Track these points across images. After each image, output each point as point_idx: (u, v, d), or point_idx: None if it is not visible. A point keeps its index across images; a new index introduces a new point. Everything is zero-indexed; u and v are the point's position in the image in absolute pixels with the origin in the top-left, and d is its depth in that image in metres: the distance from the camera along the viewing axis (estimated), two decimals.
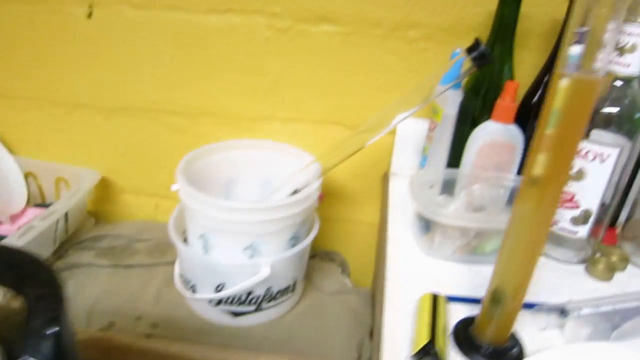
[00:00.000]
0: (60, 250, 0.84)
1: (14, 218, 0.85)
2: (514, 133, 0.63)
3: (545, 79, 0.66)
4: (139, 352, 0.68)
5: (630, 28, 0.52)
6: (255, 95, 0.79)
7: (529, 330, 0.50)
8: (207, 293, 0.69)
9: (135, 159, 0.88)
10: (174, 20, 0.75)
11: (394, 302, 0.52)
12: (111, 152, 0.88)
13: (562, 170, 0.38)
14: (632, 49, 0.52)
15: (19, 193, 0.87)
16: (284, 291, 0.71)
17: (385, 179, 0.80)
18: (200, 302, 0.71)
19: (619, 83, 0.54)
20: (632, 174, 0.64)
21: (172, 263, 0.76)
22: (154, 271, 0.81)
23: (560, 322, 0.51)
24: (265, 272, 0.65)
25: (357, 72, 0.76)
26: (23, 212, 0.87)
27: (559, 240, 0.61)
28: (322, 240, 0.92)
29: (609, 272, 0.59)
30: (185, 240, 0.72)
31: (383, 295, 0.53)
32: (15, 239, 0.69)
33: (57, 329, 0.31)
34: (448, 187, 0.66)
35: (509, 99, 0.60)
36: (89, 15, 0.76)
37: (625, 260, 0.61)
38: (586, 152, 0.55)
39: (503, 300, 0.44)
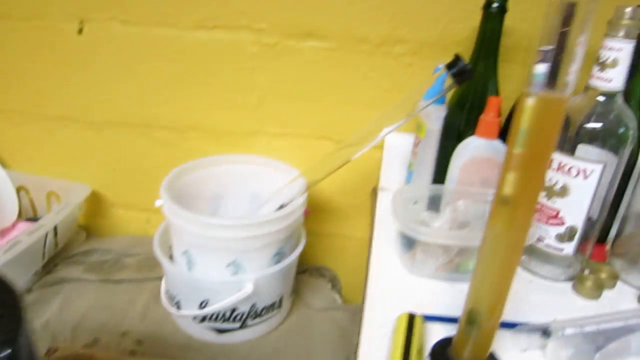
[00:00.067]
0: (50, 265, 0.84)
1: (4, 232, 0.86)
2: (498, 148, 0.62)
3: None
4: None
5: (611, 43, 0.51)
6: (243, 110, 0.80)
7: (509, 351, 0.49)
8: (191, 309, 0.69)
9: (125, 174, 0.89)
10: (162, 36, 0.76)
11: (372, 322, 0.51)
12: (102, 167, 0.89)
13: (532, 189, 0.38)
14: (614, 63, 0.51)
15: (10, 207, 0.87)
16: (270, 308, 0.70)
17: (374, 193, 0.80)
18: (185, 319, 0.71)
19: (602, 98, 0.53)
20: (620, 189, 0.63)
21: (161, 278, 0.76)
22: (143, 286, 0.81)
23: (543, 342, 0.49)
24: (248, 289, 0.64)
25: (343, 87, 0.76)
26: (14, 226, 0.88)
27: (546, 258, 0.60)
28: (313, 255, 0.92)
29: (597, 290, 0.57)
30: (171, 256, 0.72)
31: (361, 315, 0.52)
32: (1, 254, 0.69)
33: (9, 351, 0.30)
34: (434, 203, 0.65)
35: (493, 114, 0.60)
36: (80, 31, 0.77)
37: (614, 278, 0.60)
38: (569, 168, 0.54)
39: (478, 320, 0.43)
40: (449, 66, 0.55)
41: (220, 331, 0.70)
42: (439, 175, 0.67)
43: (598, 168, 0.53)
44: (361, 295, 0.89)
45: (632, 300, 0.58)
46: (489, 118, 0.60)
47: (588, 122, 0.54)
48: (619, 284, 0.60)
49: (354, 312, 0.79)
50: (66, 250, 0.88)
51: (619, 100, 0.53)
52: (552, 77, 0.35)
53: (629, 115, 0.53)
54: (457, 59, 0.54)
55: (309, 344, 0.72)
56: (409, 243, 0.58)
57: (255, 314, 0.69)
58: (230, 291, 0.65)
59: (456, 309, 0.54)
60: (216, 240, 0.63)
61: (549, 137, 0.36)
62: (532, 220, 0.39)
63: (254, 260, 0.66)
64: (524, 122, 0.36)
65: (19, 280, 0.77)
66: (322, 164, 0.67)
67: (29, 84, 0.83)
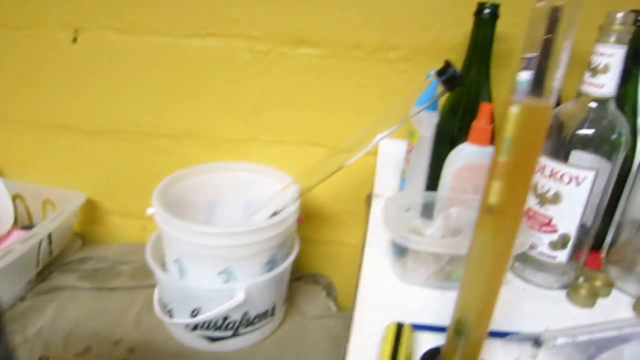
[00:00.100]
0: (45, 272, 0.84)
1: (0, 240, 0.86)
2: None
3: None
4: None
5: (602, 48, 0.51)
6: (237, 117, 0.79)
7: None
8: (183, 318, 0.68)
9: (121, 181, 0.89)
10: (156, 45, 0.76)
11: (361, 331, 0.51)
12: (98, 174, 0.89)
13: (517, 198, 0.37)
14: (605, 69, 0.51)
15: (6, 215, 0.87)
16: (262, 316, 0.70)
17: (368, 200, 0.79)
18: (177, 327, 0.70)
19: (594, 104, 0.53)
20: (615, 195, 0.63)
21: (155, 286, 0.75)
22: (136, 294, 0.80)
23: (534, 352, 0.49)
24: (239, 297, 0.64)
25: (337, 93, 0.75)
26: (9, 234, 0.88)
27: (539, 265, 0.59)
28: (308, 262, 0.91)
29: (591, 299, 0.57)
30: (164, 264, 0.72)
31: (351, 324, 0.52)
32: None
33: None
34: (427, 210, 0.65)
35: (485, 120, 0.59)
36: (74, 40, 0.78)
37: (609, 286, 0.59)
38: (561, 175, 0.54)
39: (466, 330, 0.42)
40: (439, 73, 0.54)
41: (213, 339, 0.69)
42: (432, 182, 0.67)
43: (590, 175, 0.53)
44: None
45: (628, 308, 0.57)
46: (482, 124, 0.59)
47: (581, 128, 0.53)
48: (614, 292, 0.59)
49: (348, 320, 0.78)
50: (61, 258, 0.88)
51: (612, 106, 0.53)
52: (537, 85, 0.35)
53: (621, 121, 0.53)
54: (447, 65, 0.54)
55: (302, 353, 0.71)
56: (400, 251, 0.58)
57: (248, 322, 0.69)
58: (222, 299, 0.65)
59: (447, 318, 0.53)
60: (207, 249, 0.62)
61: (534, 145, 0.36)
62: (518, 229, 0.39)
63: (246, 268, 0.65)
64: (508, 130, 0.35)
65: (13, 288, 0.77)
66: (315, 170, 0.67)
67: (24, 93, 0.83)
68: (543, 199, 0.56)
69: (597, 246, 0.65)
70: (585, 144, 0.53)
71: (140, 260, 0.89)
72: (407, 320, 0.51)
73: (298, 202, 0.68)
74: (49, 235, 0.80)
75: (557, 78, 0.35)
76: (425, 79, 0.65)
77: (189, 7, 0.73)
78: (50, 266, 0.85)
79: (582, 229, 0.56)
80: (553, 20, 0.37)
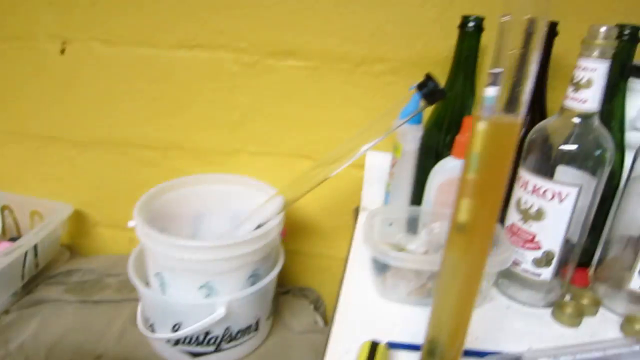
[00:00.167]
0: (31, 285, 0.83)
1: None
2: None
3: None
4: None
5: (585, 63, 0.50)
6: (224, 129, 0.79)
7: None
8: (164, 332, 0.67)
9: (109, 193, 0.88)
10: (143, 56, 0.76)
11: (337, 348, 0.49)
12: (85, 186, 0.89)
13: (487, 216, 0.36)
14: (588, 84, 0.50)
15: None
16: (245, 331, 0.69)
17: (355, 213, 0.78)
18: (160, 342, 0.69)
19: (577, 120, 0.52)
20: (604, 211, 0.62)
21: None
22: (121, 307, 0.80)
23: None
24: (220, 312, 0.63)
25: (324, 105, 0.75)
26: None
27: (524, 282, 0.58)
28: (296, 275, 0.90)
29: (577, 317, 0.55)
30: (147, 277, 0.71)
31: (327, 340, 0.51)
32: None
33: None
34: (412, 225, 0.64)
35: (469, 134, 0.58)
36: (62, 51, 0.78)
37: (596, 304, 0.58)
38: (544, 191, 0.53)
39: (439, 351, 0.41)
40: (420, 86, 0.54)
41: (195, 355, 0.68)
42: (417, 197, 0.66)
43: (573, 191, 0.52)
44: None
45: (615, 328, 0.55)
46: (465, 138, 0.58)
47: (565, 143, 0.52)
48: (602, 310, 0.58)
49: None
50: (49, 270, 0.87)
51: (596, 121, 0.52)
52: (504, 100, 0.34)
53: (605, 137, 0.52)
54: (427, 79, 0.53)
55: None
56: (380, 267, 0.57)
57: (230, 337, 0.68)
58: (203, 314, 0.64)
59: None
60: (187, 262, 0.62)
61: (503, 162, 0.35)
62: (489, 248, 0.38)
63: (227, 283, 0.64)
64: (475, 146, 0.35)
65: None
66: (299, 182, 0.66)
67: (12, 104, 0.84)
68: (526, 215, 0.55)
69: (585, 263, 0.64)
70: (570, 159, 0.52)
71: (126, 273, 0.88)
72: (386, 338, 0.50)
73: (282, 215, 0.67)
74: (35, 248, 0.80)
75: (525, 93, 0.34)
76: (408, 91, 0.64)
77: (175, 19, 0.72)
78: (36, 278, 0.84)
79: (568, 245, 0.55)
80: (528, 34, 0.36)
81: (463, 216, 0.36)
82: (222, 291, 0.64)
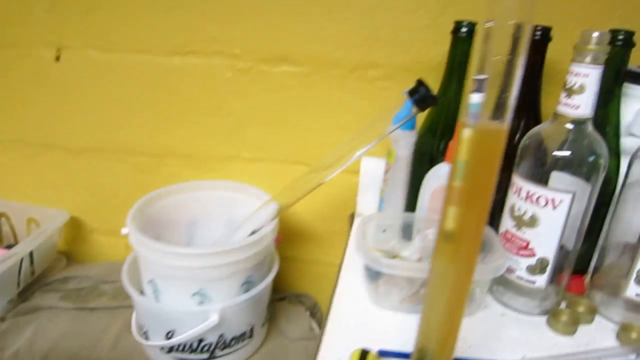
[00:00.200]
0: (27, 292, 0.83)
1: None
2: None
3: None
4: None
5: (577, 68, 0.49)
6: (219, 135, 0.79)
7: None
8: (158, 340, 0.67)
9: (105, 199, 0.88)
10: (137, 63, 0.76)
11: (328, 357, 0.49)
12: (82, 193, 0.89)
13: (475, 224, 0.36)
14: (581, 89, 0.49)
15: None
16: (239, 338, 0.69)
17: (351, 219, 0.78)
18: (154, 349, 0.69)
19: (570, 126, 0.51)
20: (600, 218, 0.61)
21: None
22: (117, 314, 0.79)
23: None
24: (213, 319, 0.63)
25: (318, 111, 0.75)
26: None
27: (519, 290, 0.57)
28: (293, 282, 0.90)
29: (572, 326, 0.55)
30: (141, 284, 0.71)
31: (318, 348, 0.50)
32: None
33: None
34: (407, 231, 0.63)
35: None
36: (57, 58, 0.78)
37: (592, 312, 0.57)
38: (537, 198, 0.52)
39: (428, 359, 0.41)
40: (411, 92, 0.53)
41: None
42: (411, 203, 0.65)
43: (567, 198, 0.51)
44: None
45: (611, 336, 0.55)
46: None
47: (558, 150, 0.52)
48: (598, 318, 0.57)
49: None
50: (45, 277, 0.87)
51: (589, 127, 0.51)
52: (490, 106, 0.34)
53: (599, 143, 0.51)
54: (418, 84, 0.53)
55: None
56: (373, 274, 0.56)
57: (224, 344, 0.67)
58: (196, 321, 0.63)
59: None
60: (179, 270, 0.61)
61: (489, 170, 0.34)
62: (477, 256, 0.37)
63: (221, 290, 0.64)
64: (461, 154, 0.34)
65: None
66: (293, 187, 0.66)
67: (8, 111, 0.84)
68: (520, 222, 0.54)
69: (581, 270, 0.63)
70: (564, 165, 0.52)
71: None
72: (378, 346, 0.50)
73: (276, 221, 0.67)
74: (31, 255, 0.80)
75: (511, 99, 0.34)
76: (401, 97, 0.64)
77: (169, 25, 0.73)
78: (32, 285, 0.84)
79: (562, 252, 0.54)
80: (515, 39, 0.36)
81: (450, 224, 0.36)
82: (216, 298, 0.64)
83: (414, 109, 0.55)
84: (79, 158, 0.85)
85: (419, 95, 0.52)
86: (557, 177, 0.52)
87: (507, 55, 0.33)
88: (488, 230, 0.59)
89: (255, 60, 0.73)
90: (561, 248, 0.54)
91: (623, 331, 0.54)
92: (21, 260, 0.78)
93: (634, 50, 0.57)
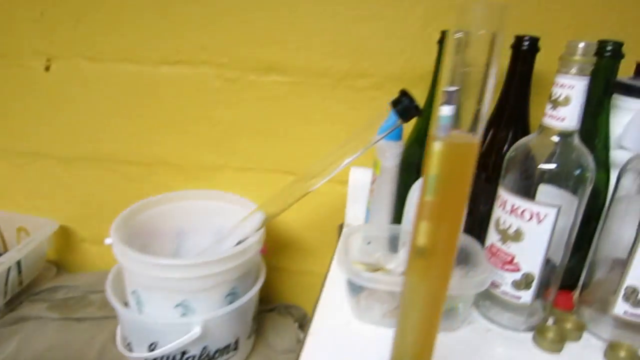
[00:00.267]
0: (15, 302, 0.83)
1: None
2: None
3: (491, 130, 0.62)
4: None
5: (563, 79, 0.48)
6: (208, 144, 0.78)
7: None
8: (141, 351, 0.66)
9: (95, 209, 0.88)
10: (126, 72, 0.76)
11: None
12: (72, 202, 0.88)
13: (447, 240, 0.35)
14: (566, 101, 0.48)
15: None
16: (223, 350, 0.68)
17: (340, 230, 0.77)
18: None
19: (557, 138, 0.50)
20: (589, 232, 0.60)
21: None
22: (103, 325, 0.79)
23: None
24: (195, 332, 0.62)
25: (307, 121, 0.74)
26: None
27: (505, 305, 0.56)
28: (283, 292, 0.89)
29: (559, 343, 0.53)
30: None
31: None
32: None
33: None
34: (393, 243, 0.62)
35: None
36: (47, 68, 0.78)
37: (580, 329, 0.55)
38: (522, 211, 0.51)
39: None
40: (394, 103, 0.53)
41: None
42: (398, 214, 0.64)
43: (552, 212, 0.50)
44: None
45: (598, 355, 0.53)
46: None
47: (544, 162, 0.51)
48: (586, 335, 0.56)
49: None
50: (34, 287, 0.86)
51: (575, 140, 0.50)
52: (461, 119, 0.33)
53: (585, 156, 0.50)
54: (401, 95, 0.52)
55: None
56: (355, 287, 0.55)
57: (208, 357, 0.66)
58: (179, 333, 0.62)
59: None
60: (161, 281, 0.61)
61: (461, 184, 0.34)
62: (450, 273, 0.36)
63: (204, 301, 0.63)
64: (432, 168, 0.33)
65: None
66: (280, 197, 0.65)
67: None
68: (505, 236, 0.53)
69: (571, 285, 0.62)
70: (549, 179, 0.51)
71: None
72: None
73: (261, 232, 0.66)
74: (18, 264, 0.79)
75: (483, 111, 0.33)
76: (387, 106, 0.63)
77: (157, 35, 0.72)
78: (20, 295, 0.84)
79: (549, 267, 0.53)
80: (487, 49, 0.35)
81: (422, 239, 0.35)
82: (199, 310, 0.63)
83: (398, 120, 0.54)
84: (69, 167, 0.85)
85: (402, 106, 0.52)
86: (544, 191, 0.51)
87: (478, 67, 0.32)
88: (474, 244, 0.57)
89: (244, 69, 0.72)
90: (548, 263, 0.53)
91: (611, 349, 0.52)
92: (8, 270, 0.77)
93: (624, 61, 0.56)
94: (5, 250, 0.92)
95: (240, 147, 0.78)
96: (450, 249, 0.35)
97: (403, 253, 0.58)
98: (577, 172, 0.50)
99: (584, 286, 0.59)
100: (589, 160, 0.50)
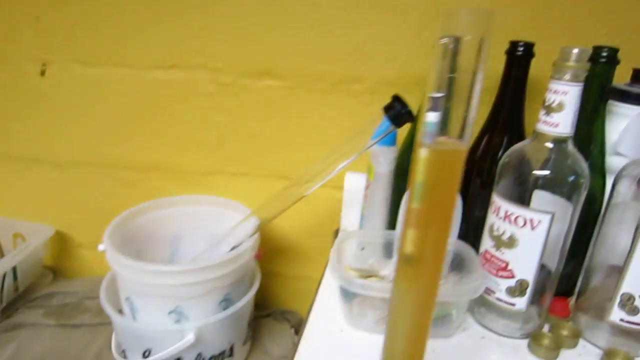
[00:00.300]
0: (11, 309, 0.82)
1: None
2: None
3: (486, 136, 0.62)
4: None
5: (556, 86, 0.48)
6: (203, 149, 0.78)
7: None
8: (135, 358, 0.66)
9: (91, 214, 0.88)
10: (121, 77, 0.76)
11: None
12: (68, 207, 0.88)
13: (435, 247, 0.34)
14: (560, 107, 0.48)
15: None
16: (218, 357, 0.67)
17: (336, 235, 0.76)
18: None
19: (550, 144, 0.50)
20: (586, 238, 0.59)
21: None
22: (99, 331, 0.78)
23: None
24: (189, 338, 0.61)
25: (302, 125, 0.74)
26: None
27: (501, 312, 0.55)
28: (280, 298, 0.88)
29: (554, 350, 0.53)
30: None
31: None
32: None
33: None
34: (388, 249, 0.62)
35: None
36: (42, 73, 0.78)
37: (576, 336, 0.55)
38: (516, 218, 0.51)
39: None
40: (387, 108, 0.52)
41: None
42: (393, 220, 0.64)
43: (546, 218, 0.49)
44: None
45: None
46: None
47: (538, 169, 0.50)
48: (582, 342, 0.55)
49: None
50: (31, 293, 0.86)
51: (569, 146, 0.50)
52: (446, 126, 0.33)
53: (579, 163, 0.50)
54: (394, 101, 0.52)
55: None
56: (347, 294, 0.55)
57: None
58: (173, 340, 0.62)
59: None
60: (154, 287, 0.60)
61: (448, 191, 0.33)
62: (438, 280, 0.36)
63: (198, 308, 0.63)
64: (419, 175, 0.33)
65: None
66: (274, 201, 0.65)
67: None
68: (499, 242, 0.53)
69: (567, 292, 0.61)
70: (544, 185, 0.50)
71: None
72: None
73: (255, 237, 0.66)
74: (14, 270, 0.79)
75: (470, 117, 0.32)
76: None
77: (152, 39, 0.72)
78: (17, 302, 0.83)
79: (544, 274, 0.53)
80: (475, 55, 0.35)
81: (409, 247, 0.35)
82: (192, 316, 0.63)
83: (391, 126, 0.54)
84: (64, 173, 0.85)
85: (394, 111, 0.51)
86: (539, 197, 0.51)
87: (465, 72, 0.32)
88: (468, 250, 0.57)
89: (239, 74, 0.72)
90: (543, 269, 0.52)
91: (607, 357, 0.52)
92: (4, 276, 0.77)
93: (620, 67, 0.55)
94: (2, 256, 0.92)
95: (235, 152, 0.78)
96: (438, 256, 0.35)
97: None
98: (572, 178, 0.49)
99: (580, 293, 0.58)
100: (584, 166, 0.50)
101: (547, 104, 0.49)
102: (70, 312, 0.83)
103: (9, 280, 0.79)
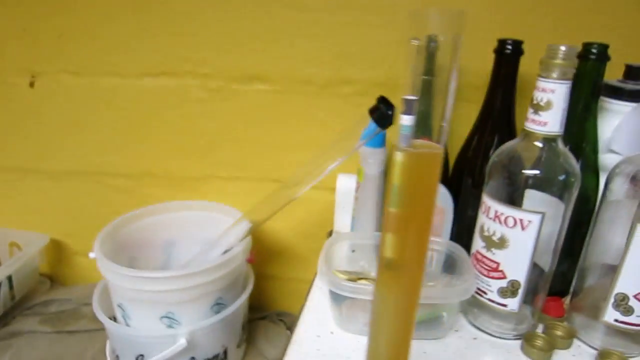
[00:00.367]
0: (8, 317, 0.83)
1: None
2: (442, 195, 0.58)
3: (477, 135, 0.62)
4: None
5: (544, 84, 0.47)
6: (193, 155, 0.78)
7: None
8: None
9: (85, 222, 0.87)
10: (110, 86, 0.76)
11: None
12: (62, 216, 0.88)
13: (415, 252, 0.34)
14: (548, 105, 0.47)
15: None
16: None
17: (329, 237, 0.76)
18: None
19: (539, 143, 0.49)
20: (580, 237, 0.58)
21: None
22: (95, 337, 0.78)
23: None
24: (181, 343, 0.61)
25: (292, 129, 0.73)
26: None
27: (493, 313, 0.55)
28: (275, 300, 0.88)
29: (548, 351, 0.52)
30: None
31: None
32: None
33: None
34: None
35: None
36: (32, 84, 0.78)
37: (570, 337, 0.54)
38: (506, 218, 0.50)
39: None
40: (371, 111, 0.52)
41: None
42: None
43: (536, 218, 0.49)
44: None
45: None
46: None
47: (528, 168, 0.49)
48: (577, 343, 0.54)
49: None
50: (27, 301, 0.86)
51: (559, 144, 0.49)
52: (422, 128, 0.32)
53: (569, 161, 0.49)
54: (379, 102, 0.51)
55: None
56: (337, 297, 0.54)
57: None
58: (165, 345, 0.62)
59: None
60: (144, 293, 0.60)
61: (425, 195, 0.33)
62: (420, 284, 0.35)
63: (190, 312, 0.63)
64: (395, 178, 0.32)
65: None
66: (264, 204, 0.64)
67: None
68: (490, 243, 0.52)
69: (563, 291, 0.61)
70: (534, 185, 0.50)
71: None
72: None
73: (247, 241, 0.66)
74: (10, 279, 0.79)
75: (446, 119, 0.32)
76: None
77: (140, 48, 0.72)
78: (13, 310, 0.83)
79: (537, 274, 0.52)
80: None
81: (389, 252, 0.34)
82: (184, 321, 0.62)
83: (377, 128, 0.53)
84: (58, 182, 0.85)
85: (379, 113, 0.51)
86: (530, 196, 0.50)
87: (439, 73, 0.32)
88: (460, 251, 0.56)
89: (227, 79, 0.72)
90: (535, 269, 0.52)
91: (601, 358, 0.51)
92: None
93: (611, 63, 0.55)
94: None
95: (226, 157, 0.77)
96: (419, 260, 0.34)
97: None
98: (562, 177, 0.49)
99: (575, 292, 0.58)
100: (574, 165, 0.49)
101: (535, 102, 0.48)
102: (66, 319, 0.83)
103: (5, 289, 0.79)
